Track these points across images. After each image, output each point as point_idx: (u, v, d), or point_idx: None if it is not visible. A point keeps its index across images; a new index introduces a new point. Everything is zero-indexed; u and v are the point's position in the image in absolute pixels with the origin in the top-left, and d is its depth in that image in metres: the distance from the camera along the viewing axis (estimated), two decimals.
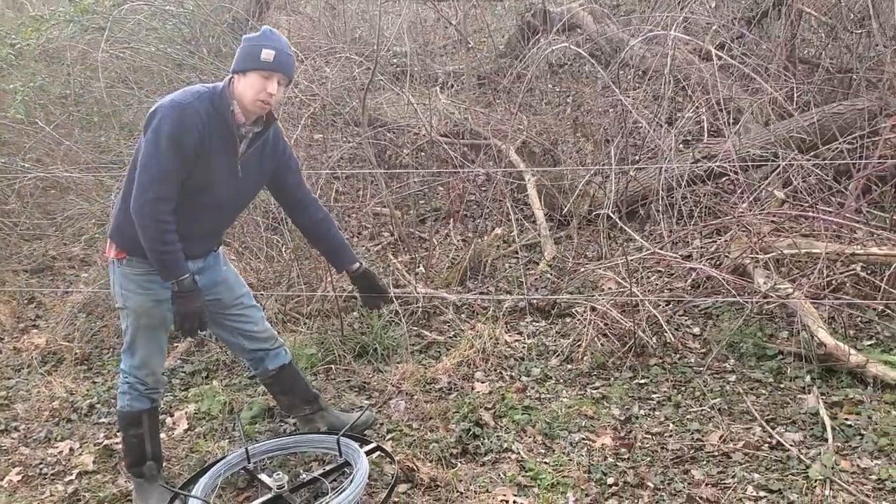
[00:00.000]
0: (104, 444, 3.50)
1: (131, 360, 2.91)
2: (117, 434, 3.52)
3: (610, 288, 4.22)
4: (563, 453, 3.16)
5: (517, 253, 4.88)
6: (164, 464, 3.14)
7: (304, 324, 4.30)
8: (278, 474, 2.86)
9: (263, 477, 2.95)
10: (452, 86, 6.91)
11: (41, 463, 3.42)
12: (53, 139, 5.84)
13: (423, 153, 6.02)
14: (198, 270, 2.90)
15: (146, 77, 6.45)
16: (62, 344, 4.37)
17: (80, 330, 4.46)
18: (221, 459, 3.03)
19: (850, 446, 3.02)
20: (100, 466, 3.35)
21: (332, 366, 3.99)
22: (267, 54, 2.65)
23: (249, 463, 3.05)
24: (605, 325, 3.90)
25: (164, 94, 5.10)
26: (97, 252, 5.32)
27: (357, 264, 3.20)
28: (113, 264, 2.85)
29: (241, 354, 3.28)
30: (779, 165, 4.41)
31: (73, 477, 3.28)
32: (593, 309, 3.97)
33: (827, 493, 2.77)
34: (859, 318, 3.81)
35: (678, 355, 3.78)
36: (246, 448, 3.04)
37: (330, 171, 5.23)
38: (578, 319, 4.05)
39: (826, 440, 3.04)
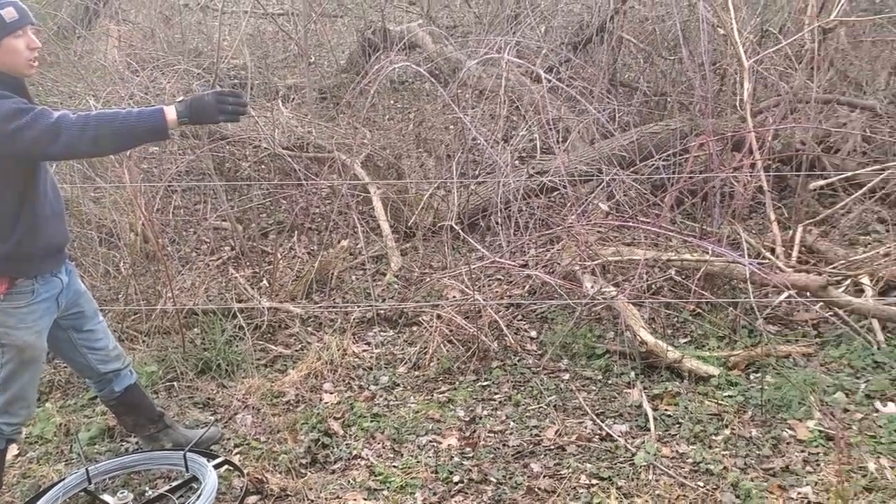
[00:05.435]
0: None
1: (3, 397, 2.73)
2: None
3: (454, 296, 4.39)
4: (412, 456, 3.27)
5: (364, 264, 4.96)
6: None
7: (143, 341, 4.16)
8: (122, 493, 2.78)
9: (106, 497, 2.85)
10: (293, 99, 6.91)
11: None
12: None
13: (263, 166, 5.98)
14: (66, 286, 2.80)
15: None
16: None
17: None
18: (59, 482, 2.90)
19: (669, 434, 3.33)
20: None
21: (174, 383, 3.89)
22: (8, 13, 2.49)
23: (90, 484, 2.93)
24: (451, 331, 4.05)
25: None
26: None
27: None
28: None
29: (88, 376, 3.11)
30: (603, 180, 4.78)
31: None
32: (439, 316, 4.12)
33: (650, 477, 3.05)
34: (675, 318, 4.19)
35: (518, 357, 3.99)
36: (86, 468, 2.93)
37: (167, 185, 5.09)
38: (425, 327, 4.19)
39: (649, 430, 3.33)
